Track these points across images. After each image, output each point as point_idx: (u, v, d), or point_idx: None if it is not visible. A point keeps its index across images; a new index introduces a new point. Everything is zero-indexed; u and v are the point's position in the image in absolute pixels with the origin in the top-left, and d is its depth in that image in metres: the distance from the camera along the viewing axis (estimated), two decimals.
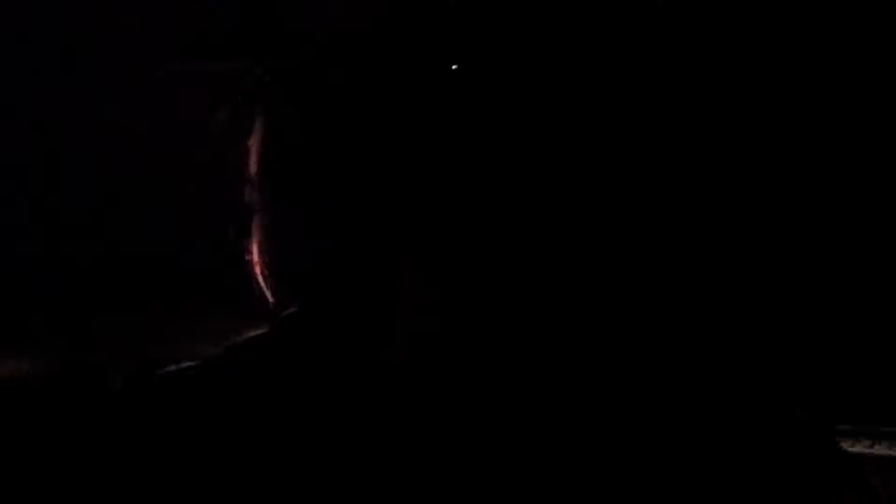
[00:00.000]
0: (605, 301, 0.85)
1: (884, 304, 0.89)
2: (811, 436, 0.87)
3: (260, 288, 0.96)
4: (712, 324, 0.87)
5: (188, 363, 0.97)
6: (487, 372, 0.86)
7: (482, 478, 0.86)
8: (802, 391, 0.88)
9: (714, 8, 0.85)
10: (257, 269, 0.95)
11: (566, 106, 0.84)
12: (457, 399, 0.86)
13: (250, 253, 0.95)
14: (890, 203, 0.90)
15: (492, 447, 0.86)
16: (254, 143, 0.93)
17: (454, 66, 0.84)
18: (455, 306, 0.86)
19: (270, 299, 0.95)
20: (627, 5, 0.84)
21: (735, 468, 0.87)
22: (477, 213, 0.85)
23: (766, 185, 0.87)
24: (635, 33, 0.84)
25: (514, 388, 0.86)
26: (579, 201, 0.84)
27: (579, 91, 0.84)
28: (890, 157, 0.91)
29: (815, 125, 0.87)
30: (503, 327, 0.85)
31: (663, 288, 0.85)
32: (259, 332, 0.96)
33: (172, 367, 0.97)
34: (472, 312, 0.86)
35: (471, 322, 0.86)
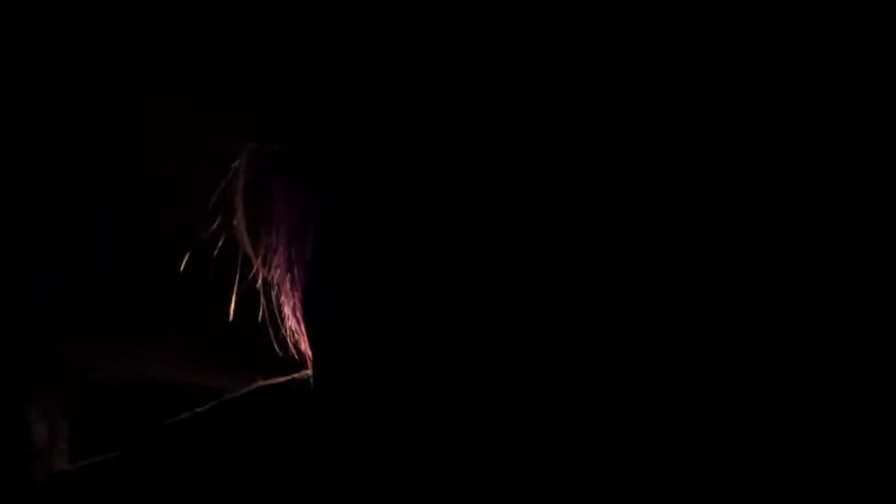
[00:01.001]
0: (608, 302, 0.85)
1: (886, 308, 0.89)
2: (812, 435, 0.87)
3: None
4: (712, 324, 0.87)
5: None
6: (494, 371, 0.86)
7: (483, 478, 0.86)
8: (804, 391, 0.88)
9: (714, 8, 0.85)
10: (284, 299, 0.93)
11: (566, 105, 0.84)
12: (462, 399, 0.87)
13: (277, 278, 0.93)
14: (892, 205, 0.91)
15: (494, 447, 0.86)
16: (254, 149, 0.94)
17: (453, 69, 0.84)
18: (464, 303, 0.86)
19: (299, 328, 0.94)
20: (627, 5, 0.84)
21: (736, 468, 0.87)
22: (479, 217, 0.85)
23: (768, 186, 0.87)
24: (635, 33, 0.84)
25: (518, 387, 0.86)
26: (582, 203, 0.84)
27: (579, 90, 0.84)
28: (891, 158, 0.91)
29: (817, 126, 0.87)
30: (510, 325, 0.86)
31: (665, 285, 0.85)
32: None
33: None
34: (481, 313, 0.86)
35: (479, 320, 0.86)
